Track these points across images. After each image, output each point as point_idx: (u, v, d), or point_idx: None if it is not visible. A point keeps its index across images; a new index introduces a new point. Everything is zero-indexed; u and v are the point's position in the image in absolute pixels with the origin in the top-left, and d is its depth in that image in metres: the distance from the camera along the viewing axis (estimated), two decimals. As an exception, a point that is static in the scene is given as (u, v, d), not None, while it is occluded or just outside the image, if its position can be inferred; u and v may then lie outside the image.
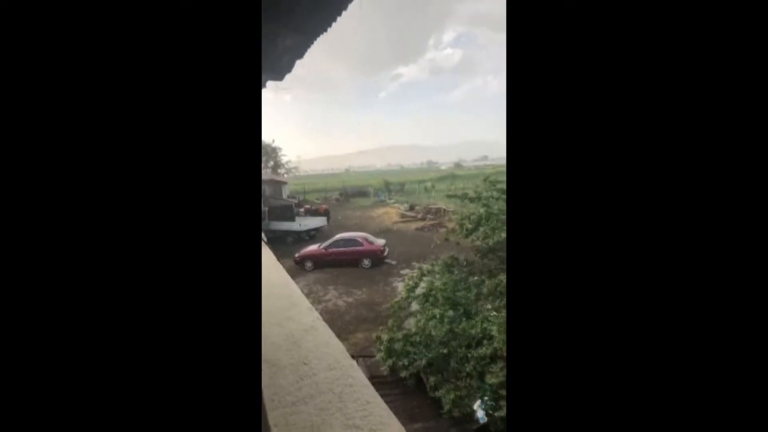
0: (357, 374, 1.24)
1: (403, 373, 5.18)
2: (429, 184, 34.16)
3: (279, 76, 2.61)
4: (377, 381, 5.11)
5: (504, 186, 5.97)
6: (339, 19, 1.98)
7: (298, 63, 2.44)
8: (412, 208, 23.25)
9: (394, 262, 12.53)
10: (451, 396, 4.49)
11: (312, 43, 2.19)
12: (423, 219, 20.00)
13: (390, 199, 29.02)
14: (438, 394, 4.71)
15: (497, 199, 6.49)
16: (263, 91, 2.65)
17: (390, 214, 22.63)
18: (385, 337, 5.51)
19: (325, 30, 2.07)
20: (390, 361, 5.31)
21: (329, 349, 1.40)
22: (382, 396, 1.11)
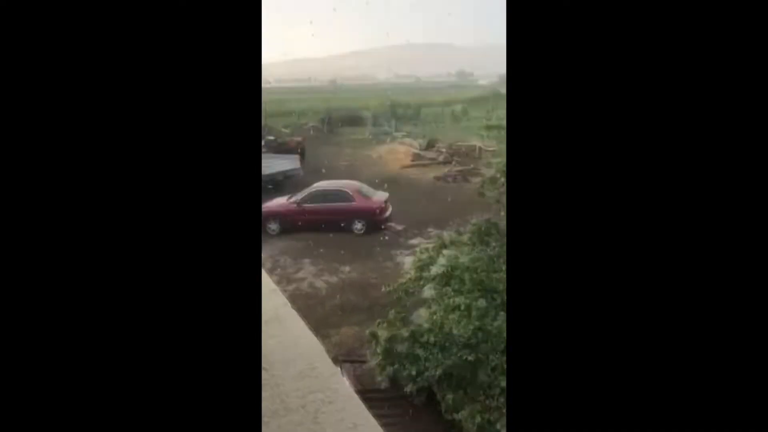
0: (340, 386, 1.29)
1: (409, 387, 5.42)
2: (459, 109, 33.60)
3: None
4: (370, 397, 5.36)
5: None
6: None
7: None
8: (430, 145, 23.04)
9: (400, 227, 12.68)
10: (477, 420, 4.74)
11: None
12: (447, 162, 19.91)
13: (397, 131, 28.62)
14: (458, 416, 4.96)
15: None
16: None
17: (397, 153, 22.48)
18: (383, 334, 5.70)
19: None
20: (390, 370, 5.53)
21: (300, 349, 1.46)
22: (376, 418, 1.16)
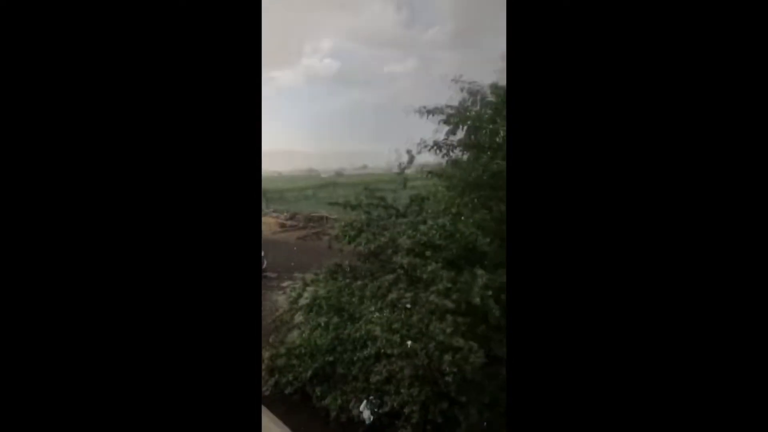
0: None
1: (288, 390, 4.93)
2: (310, 192, 33.98)
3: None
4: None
5: (383, 194, 6.35)
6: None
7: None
8: (292, 216, 22.69)
9: (274, 275, 11.90)
10: (338, 402, 4.47)
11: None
12: (305, 227, 19.69)
13: (268, 207, 27.72)
14: (325, 403, 4.64)
15: (377, 206, 6.84)
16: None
17: (269, 223, 21.52)
18: (265, 354, 5.16)
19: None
20: (272, 380, 5.00)
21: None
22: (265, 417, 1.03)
